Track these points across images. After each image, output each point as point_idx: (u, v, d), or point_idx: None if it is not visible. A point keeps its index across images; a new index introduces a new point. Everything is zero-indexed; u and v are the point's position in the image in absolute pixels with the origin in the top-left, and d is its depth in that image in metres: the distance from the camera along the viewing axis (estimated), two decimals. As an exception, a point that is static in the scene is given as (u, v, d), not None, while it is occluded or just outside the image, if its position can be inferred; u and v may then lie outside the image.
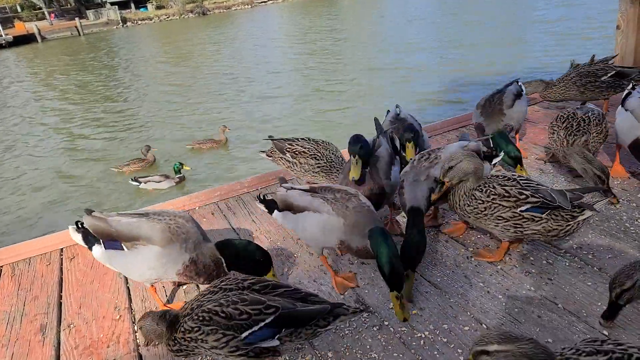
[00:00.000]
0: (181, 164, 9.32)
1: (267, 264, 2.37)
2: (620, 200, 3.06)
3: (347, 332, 2.27)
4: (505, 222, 2.51)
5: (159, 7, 56.26)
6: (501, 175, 2.58)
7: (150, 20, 52.80)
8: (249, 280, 1.94)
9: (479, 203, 2.52)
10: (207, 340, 1.80)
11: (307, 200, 2.51)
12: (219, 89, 16.81)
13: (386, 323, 2.30)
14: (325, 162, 3.36)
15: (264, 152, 3.78)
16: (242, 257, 2.36)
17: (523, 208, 2.44)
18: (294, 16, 41.66)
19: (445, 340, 2.15)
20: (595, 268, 2.48)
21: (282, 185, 2.76)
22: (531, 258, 2.62)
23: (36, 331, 2.55)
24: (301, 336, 1.87)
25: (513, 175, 2.57)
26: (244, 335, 1.78)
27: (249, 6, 57.91)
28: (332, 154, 3.41)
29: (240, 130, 12.00)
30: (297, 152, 3.42)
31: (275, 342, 1.82)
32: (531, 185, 2.50)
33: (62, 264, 3.16)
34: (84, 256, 3.20)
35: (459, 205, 2.60)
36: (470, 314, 2.28)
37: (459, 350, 2.08)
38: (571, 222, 2.42)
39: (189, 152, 10.99)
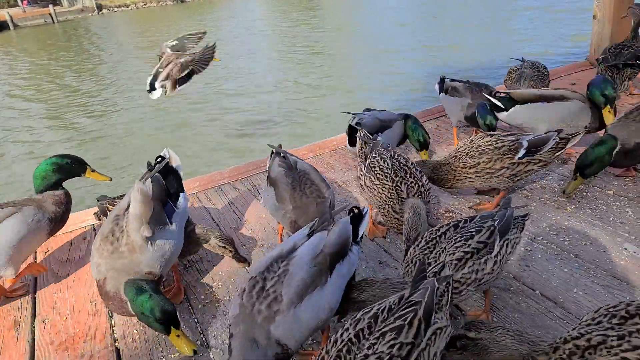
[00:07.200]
0: None
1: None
2: (595, 187, 3.12)
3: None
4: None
5: (136, -6, 54.85)
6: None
7: (127, 7, 51.50)
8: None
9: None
10: None
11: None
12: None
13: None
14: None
15: None
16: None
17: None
18: (275, 6, 41.13)
19: (425, 328, 2.16)
20: (571, 254, 2.52)
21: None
22: (509, 245, 2.65)
23: (10, 327, 2.48)
24: None
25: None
26: None
27: (230, -7, 56.94)
28: None
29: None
30: None
31: None
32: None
33: (35, 258, 3.08)
34: (59, 249, 3.12)
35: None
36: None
37: (439, 338, 2.09)
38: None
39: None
